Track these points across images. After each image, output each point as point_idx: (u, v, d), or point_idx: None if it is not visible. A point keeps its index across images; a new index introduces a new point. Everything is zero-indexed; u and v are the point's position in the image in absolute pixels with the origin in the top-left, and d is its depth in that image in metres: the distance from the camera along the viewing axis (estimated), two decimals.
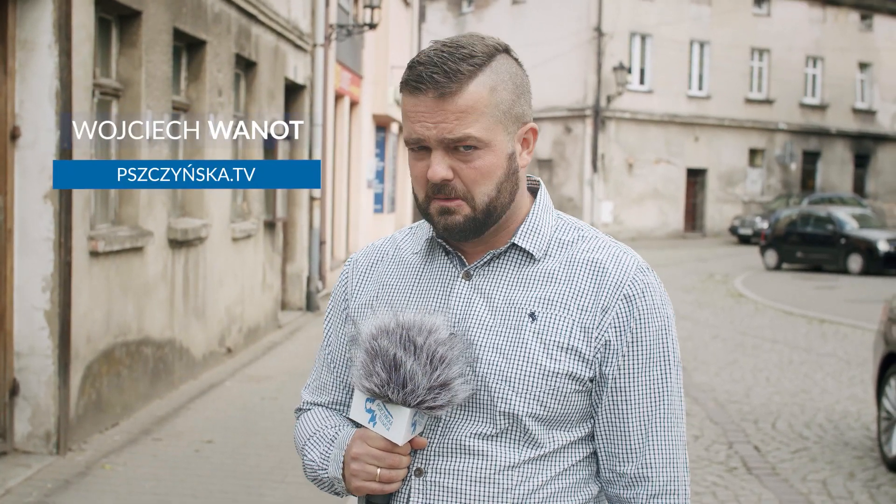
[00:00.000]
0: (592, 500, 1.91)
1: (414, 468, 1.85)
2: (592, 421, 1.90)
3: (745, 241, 35.24)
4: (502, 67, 1.83)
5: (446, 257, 1.93)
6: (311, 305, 14.43)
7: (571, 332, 1.84)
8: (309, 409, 2.09)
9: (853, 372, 11.25)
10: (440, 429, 1.85)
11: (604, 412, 1.87)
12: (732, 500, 6.48)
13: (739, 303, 18.41)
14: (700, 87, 38.68)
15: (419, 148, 1.83)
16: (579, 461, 1.89)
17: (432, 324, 1.80)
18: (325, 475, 1.93)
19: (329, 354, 2.07)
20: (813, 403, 9.50)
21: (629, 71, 35.58)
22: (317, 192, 14.69)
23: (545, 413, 1.83)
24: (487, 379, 1.82)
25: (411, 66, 1.82)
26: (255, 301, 11.82)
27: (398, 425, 1.80)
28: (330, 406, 2.07)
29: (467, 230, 1.85)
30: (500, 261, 1.90)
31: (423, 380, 1.76)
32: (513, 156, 1.85)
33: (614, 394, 1.86)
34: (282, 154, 12.85)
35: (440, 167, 1.81)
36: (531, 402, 1.82)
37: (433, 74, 1.79)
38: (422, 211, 1.89)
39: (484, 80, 1.81)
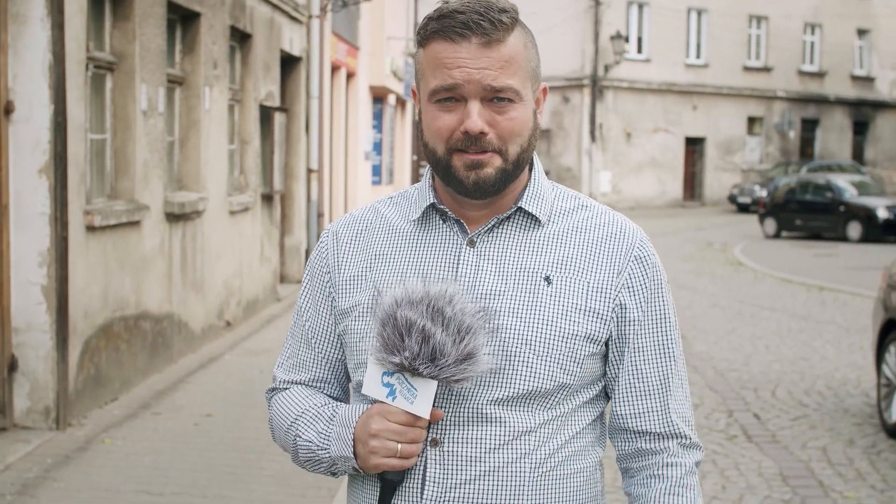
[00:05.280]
0: (598, 464, 1.92)
1: (429, 439, 1.81)
2: (600, 384, 1.91)
3: (743, 209, 35.25)
4: (526, 27, 1.84)
5: (444, 225, 1.88)
6: None
7: (587, 294, 1.84)
8: (286, 389, 2.00)
9: (853, 339, 11.25)
10: (456, 397, 1.80)
11: (624, 373, 1.89)
12: (732, 468, 6.49)
13: (738, 271, 18.40)
14: (698, 56, 38.54)
15: (448, 99, 1.78)
16: (588, 424, 1.90)
17: (454, 293, 1.75)
18: (326, 455, 1.86)
19: (308, 330, 1.98)
20: (812, 371, 9.51)
21: (627, 40, 35.42)
22: (314, 165, 14.64)
23: (566, 378, 1.82)
24: (508, 345, 1.79)
25: (447, 15, 1.77)
26: (254, 274, 11.81)
27: (423, 398, 1.75)
28: (309, 384, 1.99)
29: (497, 183, 1.81)
30: (505, 226, 1.87)
31: (453, 351, 1.71)
32: (535, 113, 1.85)
33: (633, 354, 1.88)
34: (277, 127, 12.79)
35: (480, 118, 1.77)
36: (553, 365, 1.80)
37: (479, 21, 1.76)
38: (440, 166, 1.82)
39: (519, 34, 1.81)
